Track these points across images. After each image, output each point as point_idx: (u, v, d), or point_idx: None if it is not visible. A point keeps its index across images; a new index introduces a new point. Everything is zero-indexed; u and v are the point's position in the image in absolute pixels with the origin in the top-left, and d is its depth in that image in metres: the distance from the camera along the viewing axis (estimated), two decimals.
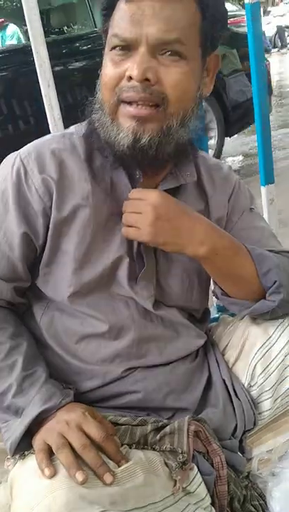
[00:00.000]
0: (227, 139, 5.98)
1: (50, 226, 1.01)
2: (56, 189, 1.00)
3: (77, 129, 1.08)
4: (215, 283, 1.13)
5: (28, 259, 1.03)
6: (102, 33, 1.01)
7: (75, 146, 1.04)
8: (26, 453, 0.91)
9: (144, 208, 0.98)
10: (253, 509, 1.07)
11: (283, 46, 16.41)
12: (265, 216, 1.70)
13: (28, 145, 1.05)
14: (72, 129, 1.09)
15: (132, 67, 0.91)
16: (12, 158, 1.04)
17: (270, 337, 1.13)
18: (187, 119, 0.98)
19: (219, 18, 0.97)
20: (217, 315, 1.68)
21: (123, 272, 1.04)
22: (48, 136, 1.08)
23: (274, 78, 10.09)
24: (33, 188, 1.00)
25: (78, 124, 1.10)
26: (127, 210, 1.01)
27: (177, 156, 1.02)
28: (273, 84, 9.55)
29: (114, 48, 0.94)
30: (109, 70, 0.95)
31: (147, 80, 0.91)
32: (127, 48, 0.92)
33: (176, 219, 0.99)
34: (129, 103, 0.94)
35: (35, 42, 1.42)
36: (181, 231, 1.00)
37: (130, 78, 0.92)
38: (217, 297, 1.17)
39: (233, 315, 1.34)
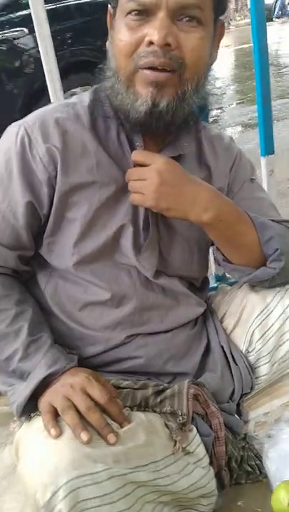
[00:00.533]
0: (225, 110, 5.94)
1: (56, 196, 1.01)
2: (61, 159, 1.00)
3: (81, 99, 1.07)
4: (217, 249, 1.15)
5: (32, 228, 1.05)
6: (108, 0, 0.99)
7: (78, 115, 1.04)
8: (32, 415, 0.94)
9: (148, 174, 0.99)
10: (250, 469, 1.12)
11: (283, 15, 16.07)
12: (265, 187, 1.71)
13: (31, 114, 1.05)
14: (75, 98, 1.09)
15: (153, 32, 0.90)
16: (16, 127, 1.04)
17: (268, 304, 1.16)
18: (201, 85, 0.99)
19: None
20: (216, 284, 1.70)
21: (127, 241, 1.06)
22: (51, 106, 1.08)
23: (273, 47, 9.94)
24: (38, 157, 1.00)
25: (81, 93, 1.10)
26: (133, 177, 1.02)
27: (179, 125, 1.02)
28: (272, 53, 9.41)
29: (129, 12, 0.93)
30: (125, 36, 0.94)
31: (168, 44, 0.91)
32: (144, 12, 0.92)
33: (180, 185, 1.01)
34: (147, 68, 0.93)
35: (34, 3, 1.40)
36: (185, 197, 1.01)
37: (150, 43, 0.91)
38: (219, 263, 1.19)
39: (231, 284, 1.37)
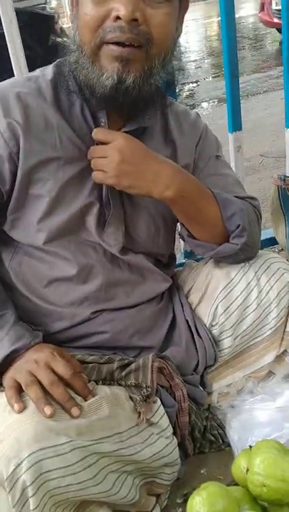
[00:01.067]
0: (200, 84, 5.89)
1: (19, 172, 1.01)
2: (23, 134, 0.99)
3: (44, 72, 1.06)
4: (182, 225, 1.16)
5: None
6: None
7: (40, 89, 1.03)
8: None
9: (109, 152, 0.99)
10: (213, 438, 1.16)
11: None
12: (232, 163, 1.72)
13: None
14: (38, 71, 1.07)
15: (120, 7, 0.89)
16: None
17: (231, 280, 1.19)
18: (167, 60, 0.99)
19: None
20: (184, 260, 1.72)
21: (92, 218, 1.06)
22: (11, 80, 1.07)
23: (249, 20, 9.86)
24: None
25: (44, 67, 1.08)
26: (95, 155, 1.01)
27: (146, 100, 1.02)
28: (248, 26, 9.34)
29: None
30: (90, 10, 0.92)
31: (135, 20, 0.90)
32: None
33: (141, 162, 1.01)
34: (114, 43, 0.92)
35: None
36: (147, 174, 1.01)
37: (117, 18, 0.90)
38: (183, 239, 1.20)
39: (198, 261, 1.39)
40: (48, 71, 1.06)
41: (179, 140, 1.16)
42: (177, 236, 1.29)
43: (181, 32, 1.05)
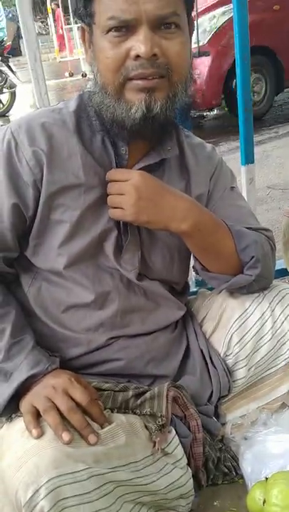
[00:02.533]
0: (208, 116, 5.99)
1: (41, 198, 1.03)
2: (47, 162, 1.02)
3: (67, 105, 1.09)
4: (195, 258, 1.18)
5: (17, 229, 1.06)
6: (81, 15, 1.01)
7: (64, 119, 1.06)
8: (13, 416, 0.95)
9: (126, 189, 1.02)
10: (226, 470, 1.15)
11: None
12: (245, 195, 1.75)
13: (18, 118, 1.07)
14: (61, 104, 1.10)
15: (138, 45, 0.93)
16: (2, 131, 1.05)
17: (246, 309, 1.19)
18: (188, 83, 1.03)
19: None
20: (195, 289, 1.73)
21: (110, 244, 1.08)
22: (37, 111, 1.10)
23: None
24: (24, 160, 1.02)
25: (67, 100, 1.12)
26: (112, 192, 1.04)
27: (162, 130, 1.05)
28: None
29: (110, 30, 0.95)
30: (110, 53, 0.96)
31: (154, 55, 0.94)
32: (125, 28, 0.94)
33: (158, 197, 1.03)
34: (137, 79, 0.96)
35: (23, 15, 1.42)
36: (164, 209, 1.04)
37: (137, 57, 0.94)
38: (197, 272, 1.22)
39: (210, 289, 1.39)
40: (71, 103, 1.09)
41: (194, 171, 1.18)
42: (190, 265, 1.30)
43: (191, 53, 1.08)
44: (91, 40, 1.01)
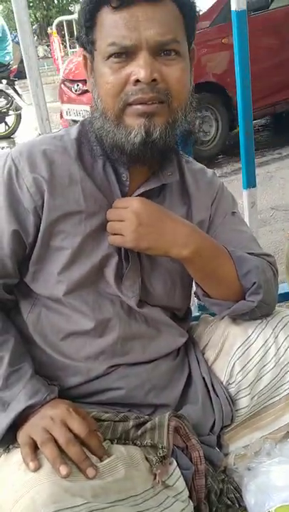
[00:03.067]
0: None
1: (42, 225, 1.03)
2: (48, 189, 1.02)
3: (69, 132, 1.10)
4: (197, 284, 1.17)
5: (17, 256, 1.05)
6: (83, 43, 1.02)
7: (66, 146, 1.06)
8: (11, 447, 0.94)
9: (126, 216, 1.02)
10: (229, 502, 1.12)
11: None
12: (247, 218, 1.74)
13: (19, 145, 1.08)
14: (63, 131, 1.11)
15: (138, 70, 0.94)
16: (3, 157, 1.05)
17: (248, 337, 1.17)
18: (188, 111, 1.03)
19: (194, 13, 1.03)
20: (198, 313, 1.72)
21: (110, 270, 1.07)
22: (39, 138, 1.10)
23: None
24: (25, 186, 1.02)
25: (69, 127, 1.13)
26: (111, 219, 1.04)
27: (162, 156, 1.05)
28: None
29: (110, 56, 0.96)
30: (110, 78, 0.97)
31: (154, 80, 0.95)
32: (126, 54, 0.95)
33: (158, 224, 1.03)
34: (137, 104, 0.97)
35: (24, 42, 1.43)
36: (164, 235, 1.03)
37: (137, 81, 0.95)
38: (199, 298, 1.20)
39: (213, 314, 1.38)
40: (72, 130, 1.10)
41: (195, 196, 1.18)
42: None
43: (192, 82, 1.09)
44: (92, 67, 1.02)
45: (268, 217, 3.28)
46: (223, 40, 4.59)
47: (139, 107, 0.97)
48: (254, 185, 1.73)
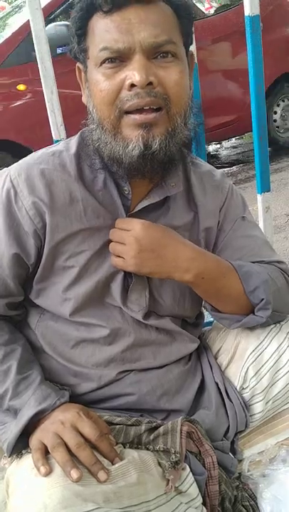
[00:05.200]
0: (224, 144, 6.02)
1: (46, 247, 1.02)
2: (48, 211, 1.00)
3: (67, 146, 1.07)
4: (205, 300, 1.16)
5: (19, 277, 1.05)
6: (76, 53, 0.99)
7: (64, 164, 1.04)
8: (23, 452, 0.93)
9: (128, 240, 1.00)
10: (244, 509, 1.10)
11: None
12: (261, 223, 1.73)
13: (18, 164, 1.05)
14: (61, 145, 1.08)
15: (132, 74, 0.90)
16: (1, 178, 1.04)
17: (261, 342, 1.16)
18: (188, 116, 0.99)
19: (190, 15, 0.99)
20: (212, 319, 1.70)
21: (116, 285, 1.06)
22: (37, 155, 1.07)
23: None
24: (24, 209, 1.01)
25: (68, 139, 1.10)
26: (113, 240, 1.03)
27: (164, 167, 1.00)
28: None
29: (103, 62, 0.92)
30: (103, 85, 0.93)
31: (150, 83, 0.91)
32: (119, 58, 0.92)
33: (159, 248, 1.01)
34: (133, 112, 0.93)
35: (40, 51, 1.45)
36: (166, 260, 1.02)
37: (132, 86, 0.91)
38: (208, 311, 1.19)
39: None
40: (71, 144, 1.07)
41: (202, 203, 1.14)
42: None
43: (191, 87, 1.04)
44: (86, 78, 0.99)
45: (283, 223, 3.25)
46: (18, 87, 3.57)
47: (136, 116, 0.93)
48: (268, 190, 1.71)
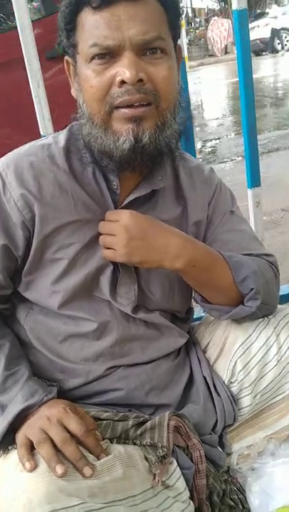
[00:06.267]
0: (222, 140, 6.02)
1: (34, 239, 1.02)
2: (37, 203, 1.01)
3: (56, 140, 1.08)
4: (195, 290, 1.16)
5: (8, 269, 1.05)
6: (64, 47, 1.00)
7: (53, 156, 1.04)
8: (10, 448, 0.93)
9: (117, 230, 1.00)
10: (232, 503, 1.10)
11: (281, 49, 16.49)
12: (251, 218, 1.73)
13: (7, 156, 1.06)
14: (50, 138, 1.09)
15: (122, 71, 0.91)
16: None
17: (250, 335, 1.16)
18: (176, 112, 1.00)
19: (178, 9, 1.00)
20: (203, 314, 1.70)
21: (105, 278, 1.06)
22: (25, 147, 1.07)
23: (269, 80, 10.15)
24: (12, 200, 1.01)
25: (56, 133, 1.11)
26: (102, 232, 1.03)
27: (152, 161, 1.01)
28: (270, 86, 9.61)
29: (93, 58, 0.93)
30: (94, 81, 0.93)
31: (140, 80, 0.92)
32: (109, 54, 0.92)
33: (149, 237, 1.01)
34: (123, 106, 0.94)
35: (25, 43, 1.45)
36: (156, 248, 1.02)
37: (122, 83, 0.92)
38: (197, 303, 1.19)
39: None
40: (60, 138, 1.08)
41: (191, 197, 1.15)
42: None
43: (180, 81, 1.04)
44: (76, 72, 1.00)
45: (279, 218, 3.25)
46: None
47: (126, 110, 0.93)
48: (258, 185, 1.71)
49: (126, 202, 1.06)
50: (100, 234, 1.04)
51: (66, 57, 1.02)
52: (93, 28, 0.92)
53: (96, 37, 0.92)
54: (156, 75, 0.94)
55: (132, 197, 1.06)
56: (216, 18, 18.74)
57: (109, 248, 1.03)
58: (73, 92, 1.03)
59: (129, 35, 0.91)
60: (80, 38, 0.95)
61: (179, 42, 1.05)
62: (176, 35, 1.01)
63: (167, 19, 0.97)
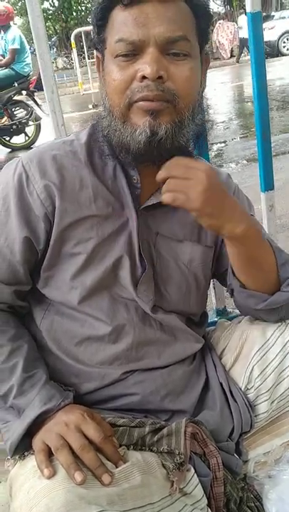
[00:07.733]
0: (228, 144, 6.01)
1: (54, 231, 1.02)
2: (58, 195, 1.01)
3: (78, 137, 1.09)
4: (233, 275, 1.13)
5: (29, 263, 1.05)
6: (95, 43, 1.02)
7: (75, 151, 1.06)
8: (26, 453, 0.93)
9: (196, 174, 0.95)
10: (249, 511, 1.09)
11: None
12: (265, 222, 1.72)
13: (29, 151, 1.07)
14: (72, 136, 1.10)
15: (144, 67, 0.92)
16: (14, 164, 1.05)
17: (267, 340, 1.15)
18: (196, 113, 1.00)
19: (207, 13, 1.00)
20: (216, 319, 1.69)
21: (125, 273, 1.06)
22: (48, 143, 1.10)
23: (276, 83, 10.13)
24: (35, 193, 1.01)
25: (79, 131, 1.12)
26: (175, 175, 0.96)
27: (176, 154, 0.99)
28: (276, 89, 9.59)
29: (118, 53, 0.95)
30: (117, 75, 0.95)
31: (160, 77, 0.93)
32: (134, 51, 0.94)
33: (223, 194, 0.99)
34: (142, 100, 0.94)
35: (40, 48, 1.44)
36: (226, 207, 0.99)
37: (143, 78, 0.93)
38: (232, 293, 1.18)
39: (230, 319, 1.36)
40: (82, 135, 1.09)
41: None
42: (209, 293, 1.26)
43: (205, 86, 1.06)
44: (103, 67, 1.01)
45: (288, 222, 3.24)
46: None
47: (143, 103, 0.94)
48: (272, 188, 1.70)
49: (146, 205, 1.06)
50: (118, 229, 1.03)
51: (96, 53, 1.04)
52: (121, 24, 0.94)
53: (123, 32, 0.93)
54: (177, 75, 0.95)
55: (153, 200, 1.06)
56: (221, 21, 18.73)
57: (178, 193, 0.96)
58: (100, 86, 1.04)
59: (154, 33, 0.92)
60: (109, 34, 0.97)
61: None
62: (203, 41, 1.01)
63: (196, 23, 0.97)
